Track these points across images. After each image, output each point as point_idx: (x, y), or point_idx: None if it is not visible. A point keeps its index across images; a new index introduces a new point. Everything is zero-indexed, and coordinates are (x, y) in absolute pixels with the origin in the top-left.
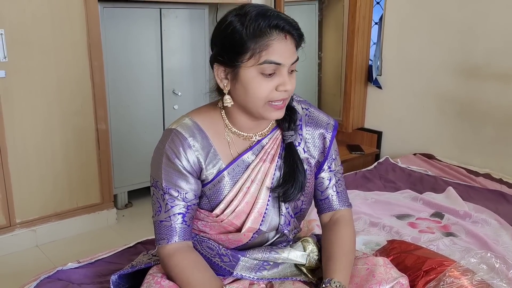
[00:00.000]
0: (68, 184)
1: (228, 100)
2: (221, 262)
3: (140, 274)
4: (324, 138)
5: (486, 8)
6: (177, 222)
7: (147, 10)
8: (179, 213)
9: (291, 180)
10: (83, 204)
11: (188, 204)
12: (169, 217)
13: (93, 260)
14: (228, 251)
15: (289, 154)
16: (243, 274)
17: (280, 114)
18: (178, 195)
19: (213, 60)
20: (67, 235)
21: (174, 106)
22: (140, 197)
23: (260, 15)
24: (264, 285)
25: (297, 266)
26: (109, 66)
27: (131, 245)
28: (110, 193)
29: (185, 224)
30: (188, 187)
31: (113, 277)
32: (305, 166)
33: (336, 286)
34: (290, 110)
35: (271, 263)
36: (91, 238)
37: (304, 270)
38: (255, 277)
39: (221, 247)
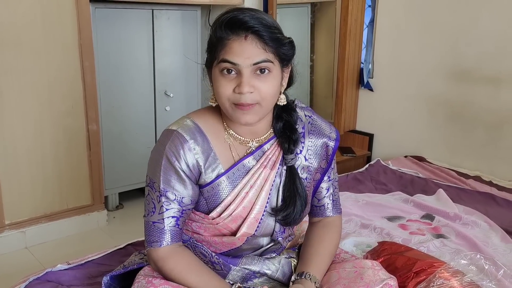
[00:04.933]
0: (59, 185)
1: (212, 98)
2: (213, 269)
3: (132, 276)
4: (327, 146)
5: (477, 12)
6: (170, 224)
7: (140, 11)
8: (173, 217)
9: (291, 205)
10: (74, 206)
11: (183, 208)
12: (163, 219)
13: (83, 262)
14: (220, 259)
15: (290, 178)
16: (234, 282)
17: (250, 118)
18: (174, 199)
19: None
20: (57, 237)
21: (166, 108)
22: (131, 198)
23: (225, 18)
24: None
25: None
26: (100, 67)
27: (122, 246)
28: (101, 194)
29: (178, 228)
30: (186, 192)
31: (105, 278)
32: (306, 175)
33: (309, 278)
34: (290, 131)
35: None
36: (81, 239)
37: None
38: (245, 286)
39: (213, 254)
